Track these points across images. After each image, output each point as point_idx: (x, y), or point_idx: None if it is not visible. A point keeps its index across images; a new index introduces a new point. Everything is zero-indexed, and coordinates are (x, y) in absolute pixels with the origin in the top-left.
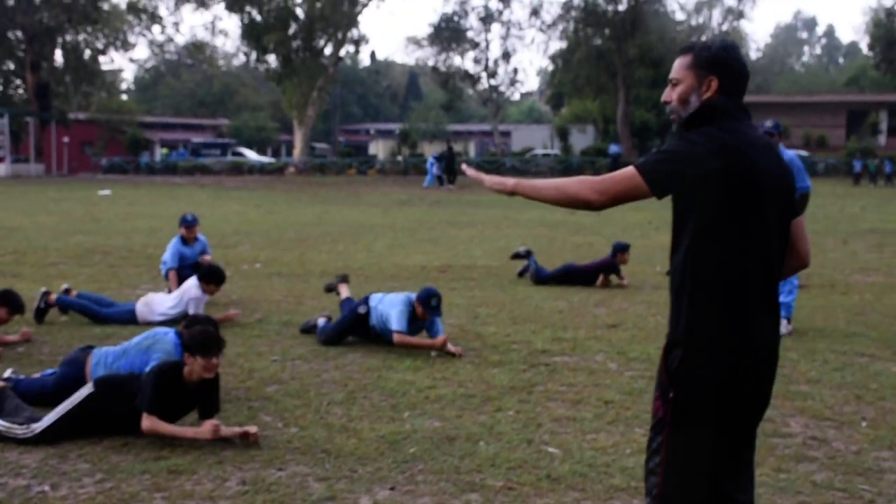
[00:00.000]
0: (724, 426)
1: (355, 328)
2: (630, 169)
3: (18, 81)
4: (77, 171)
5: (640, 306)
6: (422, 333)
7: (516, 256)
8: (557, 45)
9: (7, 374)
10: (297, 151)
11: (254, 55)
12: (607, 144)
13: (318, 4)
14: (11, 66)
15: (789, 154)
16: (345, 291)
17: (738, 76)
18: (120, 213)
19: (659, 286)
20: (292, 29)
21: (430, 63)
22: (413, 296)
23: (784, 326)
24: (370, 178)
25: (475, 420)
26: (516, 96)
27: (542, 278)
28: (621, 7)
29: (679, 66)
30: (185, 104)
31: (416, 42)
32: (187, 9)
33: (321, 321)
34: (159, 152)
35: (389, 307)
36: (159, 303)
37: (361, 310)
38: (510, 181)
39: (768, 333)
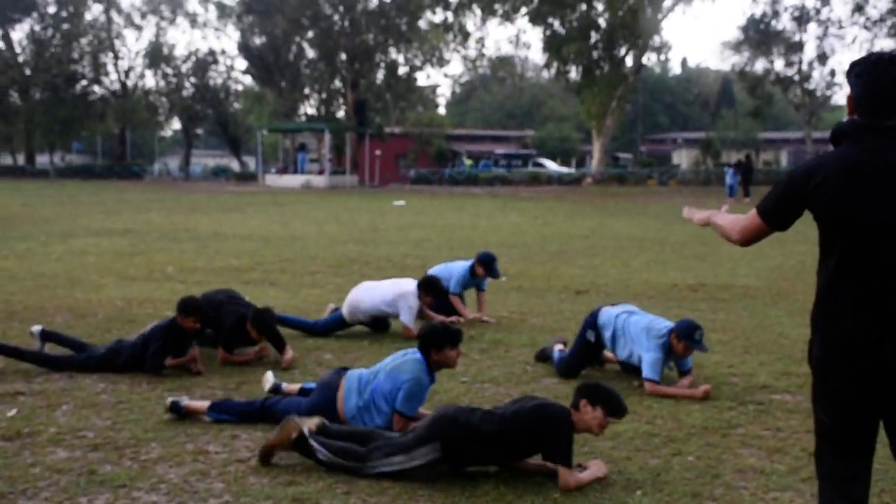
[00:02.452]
0: None
1: (589, 357)
2: (753, 212)
3: (341, 99)
4: (388, 182)
5: None
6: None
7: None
8: (884, 43)
9: (270, 381)
10: (595, 161)
11: (555, 66)
12: None
13: (620, 13)
14: (338, 84)
15: None
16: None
17: (868, 93)
18: (401, 223)
19: None
20: (593, 38)
21: (738, 68)
22: (664, 327)
23: None
24: (670, 188)
25: (644, 464)
26: (837, 100)
27: None
28: None
29: None
30: (495, 117)
31: (731, 47)
32: (493, 23)
33: (556, 351)
34: (463, 163)
35: (637, 344)
36: (377, 292)
37: (590, 336)
38: (704, 214)
39: None
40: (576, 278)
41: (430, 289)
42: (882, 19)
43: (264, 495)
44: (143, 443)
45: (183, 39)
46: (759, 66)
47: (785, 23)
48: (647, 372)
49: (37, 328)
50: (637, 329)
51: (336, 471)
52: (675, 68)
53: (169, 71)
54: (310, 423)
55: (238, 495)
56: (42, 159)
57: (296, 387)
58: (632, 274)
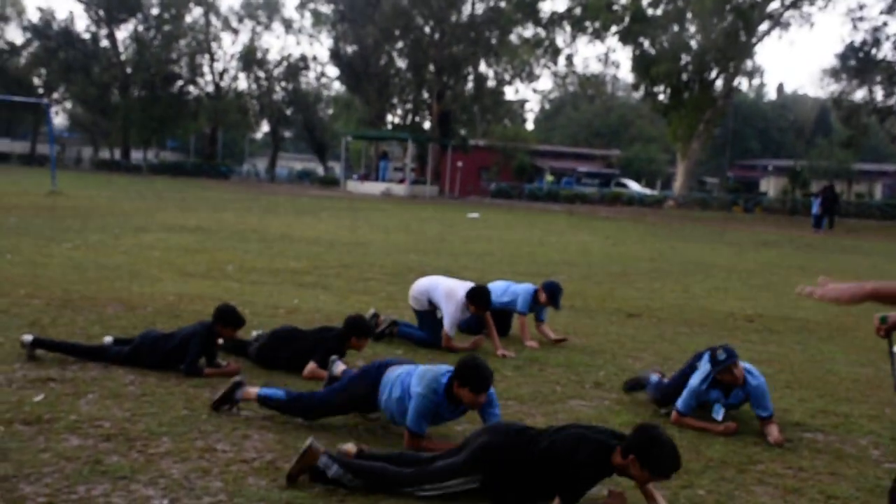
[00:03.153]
0: None
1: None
2: None
3: (427, 110)
4: (469, 193)
5: None
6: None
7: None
8: None
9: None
10: (678, 184)
11: (643, 86)
12: None
13: (712, 35)
14: (425, 94)
15: None
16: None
17: None
18: (470, 236)
19: None
20: (683, 60)
21: (835, 96)
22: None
23: None
24: (754, 216)
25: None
26: None
27: None
28: None
29: None
30: (582, 134)
31: (830, 74)
32: (582, 41)
33: (653, 376)
34: (545, 180)
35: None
36: (439, 282)
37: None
38: (860, 287)
39: None
40: (631, 301)
41: (476, 298)
42: None
43: (258, 497)
44: (155, 436)
45: (277, 44)
46: (858, 95)
47: (886, 51)
48: (679, 402)
49: (28, 337)
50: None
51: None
52: (771, 94)
53: (261, 74)
54: (347, 448)
55: (233, 495)
56: (137, 155)
57: (254, 391)
58: (690, 300)
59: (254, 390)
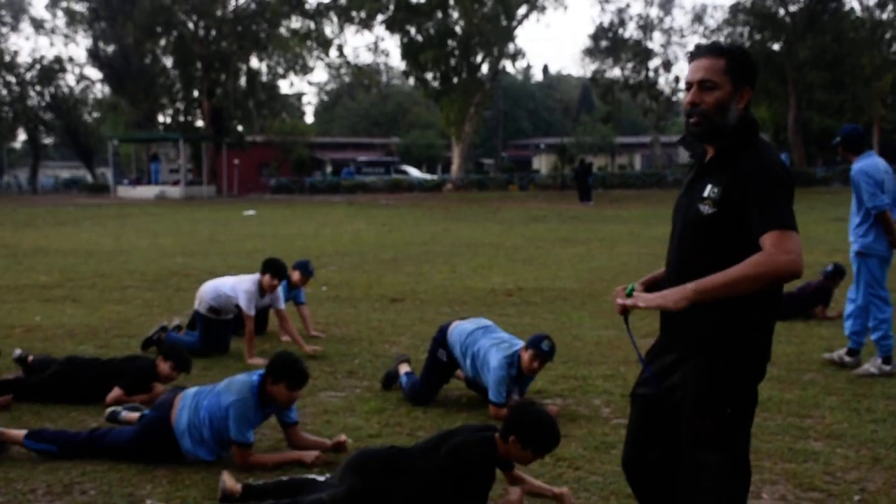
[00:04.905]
0: None
1: (444, 378)
2: (790, 230)
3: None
4: (250, 191)
5: None
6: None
7: None
8: None
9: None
10: (454, 168)
11: (414, 73)
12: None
13: (475, 21)
14: (195, 94)
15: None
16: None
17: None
18: (242, 234)
19: None
20: (449, 46)
21: (589, 75)
22: (509, 349)
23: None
24: (529, 194)
25: None
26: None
27: None
28: (793, 7)
29: (711, 69)
30: (361, 124)
31: (588, 54)
32: (351, 31)
33: (404, 374)
34: (326, 172)
35: (484, 363)
36: (219, 283)
37: (441, 355)
38: (677, 295)
39: None
40: (397, 286)
41: (271, 268)
42: (719, 28)
43: None
44: None
45: (27, 46)
46: (613, 73)
47: (631, 31)
48: (492, 394)
49: None
50: (485, 346)
51: None
52: (538, 75)
53: (11, 79)
54: (230, 485)
55: None
56: None
57: (135, 415)
58: (455, 280)
59: (18, 433)
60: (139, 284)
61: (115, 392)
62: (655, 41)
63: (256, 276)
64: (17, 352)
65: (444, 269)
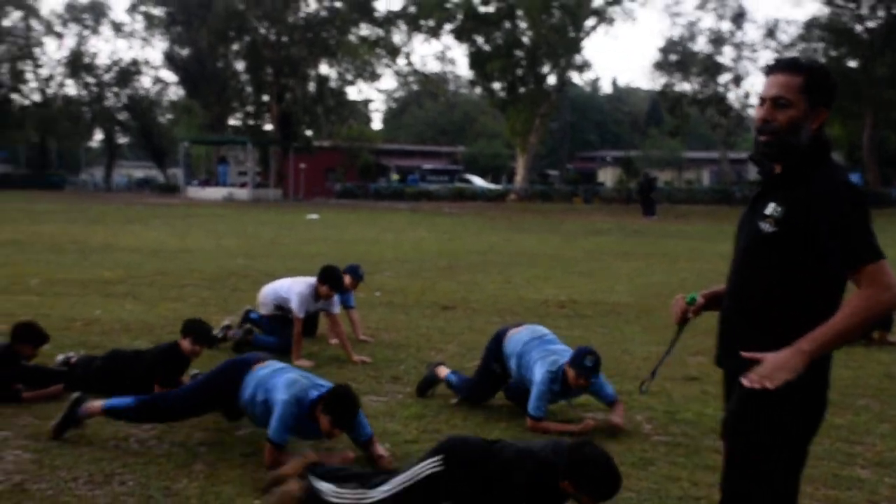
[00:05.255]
0: None
1: (495, 388)
2: (881, 259)
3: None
4: (315, 195)
5: None
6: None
7: None
8: None
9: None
10: (518, 178)
11: (480, 83)
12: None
13: (543, 31)
14: (265, 98)
15: None
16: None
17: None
18: (305, 238)
19: None
20: (517, 56)
21: (658, 89)
22: (553, 364)
23: None
24: (593, 206)
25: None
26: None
27: None
28: (871, 23)
29: (787, 86)
30: (428, 132)
31: (658, 67)
32: (419, 39)
33: (450, 372)
34: (391, 178)
35: (527, 373)
36: (277, 286)
37: (495, 368)
38: (796, 359)
39: None
40: (449, 294)
41: (327, 277)
42: (792, 44)
43: None
44: None
45: (106, 49)
46: (682, 87)
47: (701, 45)
48: (531, 407)
49: None
50: (533, 359)
51: None
52: (606, 87)
53: (91, 80)
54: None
55: None
56: None
57: (98, 404)
58: (508, 290)
59: (98, 403)
60: (198, 283)
61: (157, 391)
62: (726, 55)
63: (312, 280)
64: (60, 357)
65: (499, 279)
